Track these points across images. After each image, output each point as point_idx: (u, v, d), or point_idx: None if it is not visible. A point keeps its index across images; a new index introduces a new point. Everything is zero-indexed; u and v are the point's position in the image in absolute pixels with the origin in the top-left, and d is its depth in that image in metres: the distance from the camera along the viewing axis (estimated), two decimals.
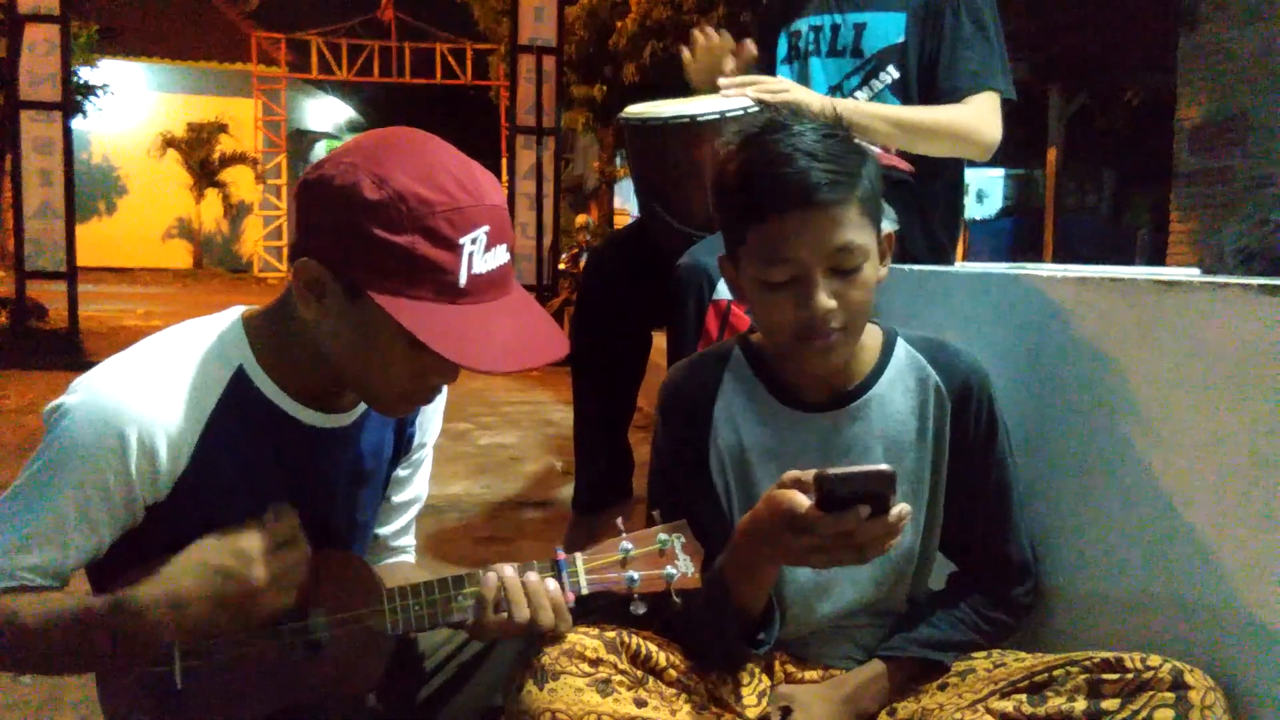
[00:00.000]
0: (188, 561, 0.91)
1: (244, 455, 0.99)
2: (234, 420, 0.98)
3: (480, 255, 0.90)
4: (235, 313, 1.03)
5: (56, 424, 0.93)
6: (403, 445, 1.17)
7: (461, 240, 0.89)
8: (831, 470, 0.89)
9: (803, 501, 0.92)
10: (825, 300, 1.02)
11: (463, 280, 0.90)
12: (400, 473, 1.19)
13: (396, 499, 1.21)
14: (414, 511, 1.25)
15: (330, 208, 0.89)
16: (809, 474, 0.93)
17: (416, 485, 1.23)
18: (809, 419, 1.14)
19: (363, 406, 1.08)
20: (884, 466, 0.90)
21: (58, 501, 0.93)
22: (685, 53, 1.93)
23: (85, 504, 0.93)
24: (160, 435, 0.93)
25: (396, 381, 0.96)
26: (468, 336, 0.90)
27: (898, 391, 1.14)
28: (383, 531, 1.22)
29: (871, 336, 1.15)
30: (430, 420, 1.19)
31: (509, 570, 1.00)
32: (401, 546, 1.25)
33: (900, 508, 0.92)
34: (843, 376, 1.14)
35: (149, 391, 0.94)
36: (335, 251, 0.90)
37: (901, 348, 1.17)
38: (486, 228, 0.91)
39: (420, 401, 1.02)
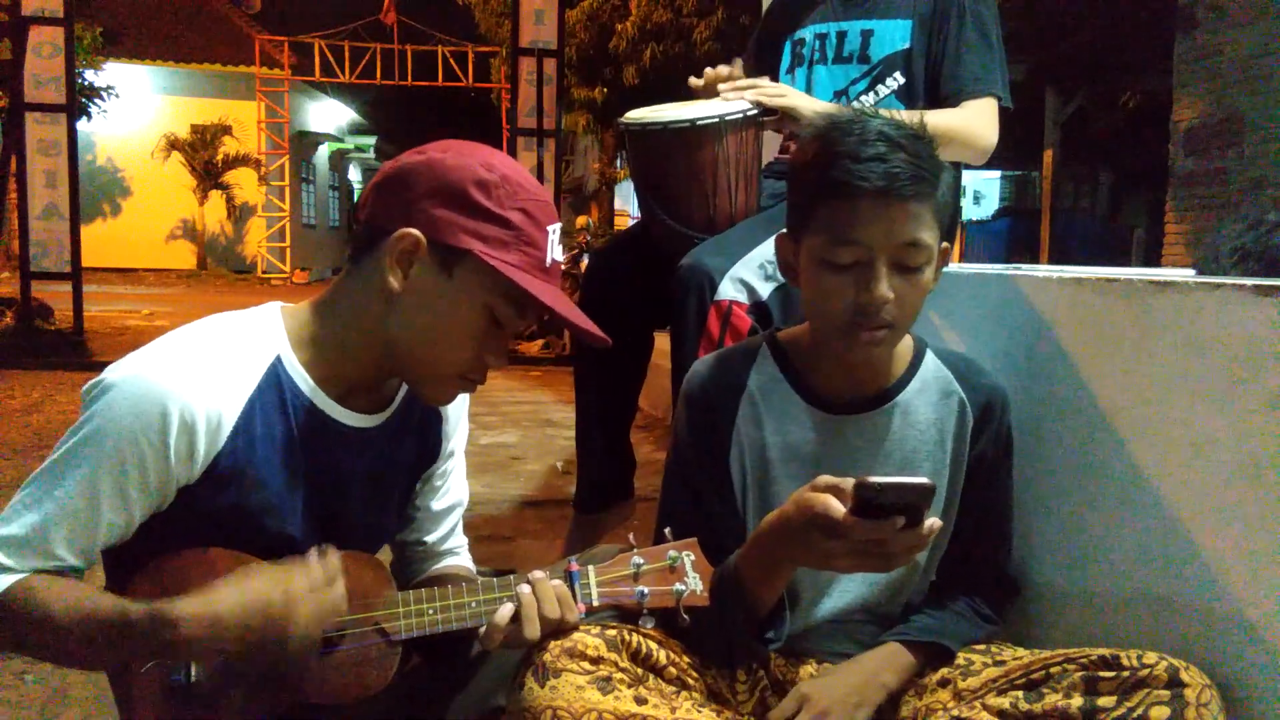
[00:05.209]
0: (236, 589, 0.91)
1: (273, 443, 1.01)
2: (268, 408, 1.01)
3: (555, 245, 1.04)
4: (274, 307, 1.07)
5: (99, 398, 0.94)
6: (429, 453, 1.20)
7: (548, 227, 1.03)
8: (873, 479, 0.90)
9: (838, 507, 0.92)
10: (885, 290, 1.02)
11: (547, 261, 1.03)
12: (436, 481, 1.23)
13: (437, 506, 1.24)
14: (457, 515, 1.28)
15: (443, 182, 0.99)
16: (846, 481, 0.93)
17: (455, 490, 1.26)
18: (833, 420, 1.14)
19: (389, 411, 1.11)
20: (924, 480, 0.90)
21: (94, 474, 0.93)
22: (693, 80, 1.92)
23: (121, 478, 0.93)
24: (201, 415, 0.95)
25: (457, 358, 1.04)
26: (558, 302, 1.02)
27: (923, 401, 1.15)
28: (430, 538, 1.25)
29: (904, 344, 1.16)
30: (456, 427, 1.23)
31: (536, 577, 1.03)
32: (451, 549, 1.28)
33: (932, 521, 0.92)
34: (871, 380, 1.14)
35: (193, 373, 0.96)
36: (441, 219, 0.99)
37: (930, 359, 1.17)
38: (559, 225, 1.06)
39: (467, 386, 1.08)
